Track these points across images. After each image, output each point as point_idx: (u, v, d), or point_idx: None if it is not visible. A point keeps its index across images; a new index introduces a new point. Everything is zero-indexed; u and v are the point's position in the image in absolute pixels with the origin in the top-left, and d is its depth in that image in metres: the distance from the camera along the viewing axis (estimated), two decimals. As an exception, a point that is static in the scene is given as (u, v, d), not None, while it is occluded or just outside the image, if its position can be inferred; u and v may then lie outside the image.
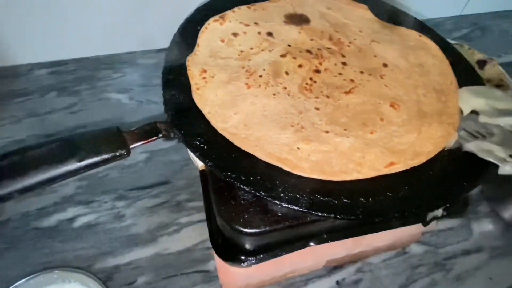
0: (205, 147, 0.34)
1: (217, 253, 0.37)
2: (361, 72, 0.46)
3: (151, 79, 0.69)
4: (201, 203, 0.43)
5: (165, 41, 0.46)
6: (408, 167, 0.38)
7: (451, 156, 0.40)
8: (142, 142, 0.33)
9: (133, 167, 0.58)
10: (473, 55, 0.76)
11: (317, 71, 0.45)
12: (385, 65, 0.47)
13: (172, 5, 0.64)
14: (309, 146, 0.37)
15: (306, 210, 0.31)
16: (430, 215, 0.42)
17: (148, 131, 0.35)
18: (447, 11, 0.87)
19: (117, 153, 0.31)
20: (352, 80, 0.45)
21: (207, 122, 0.37)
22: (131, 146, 0.33)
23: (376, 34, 0.51)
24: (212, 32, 0.46)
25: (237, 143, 0.36)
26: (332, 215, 0.31)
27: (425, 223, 0.47)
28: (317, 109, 0.41)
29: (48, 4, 0.61)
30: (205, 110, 0.38)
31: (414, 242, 0.54)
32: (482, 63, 0.76)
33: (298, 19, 0.49)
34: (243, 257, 0.37)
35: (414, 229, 0.48)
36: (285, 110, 0.40)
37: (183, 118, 0.36)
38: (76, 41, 0.68)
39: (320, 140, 0.38)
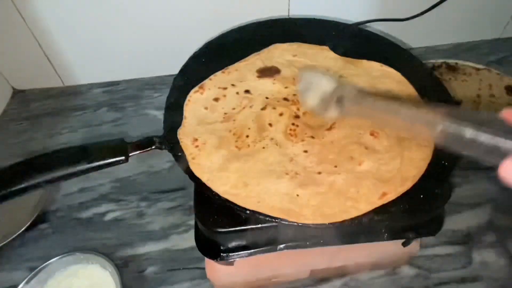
0: (187, 158, 0.42)
1: (198, 248, 0.44)
2: None
3: (184, 98, 0.79)
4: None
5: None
6: (398, 195, 0.40)
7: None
8: (139, 151, 0.42)
9: (159, 173, 0.68)
10: (501, 81, 0.75)
11: (297, 116, 0.47)
12: None
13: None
14: (307, 191, 0.39)
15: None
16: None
17: (145, 142, 0.43)
18: (484, 34, 0.85)
19: (117, 159, 0.40)
20: None
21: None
22: (130, 154, 0.41)
23: (342, 70, 0.53)
24: (195, 102, 0.49)
25: (240, 202, 0.39)
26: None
27: (404, 244, 0.49)
28: (306, 151, 0.43)
29: (106, 35, 0.75)
30: (204, 178, 0.41)
31: (405, 263, 0.55)
32: (511, 89, 0.74)
33: (269, 72, 0.52)
34: (220, 254, 0.44)
35: (396, 249, 0.50)
36: (276, 160, 0.43)
37: (175, 134, 0.44)
38: (128, 64, 0.81)
39: (315, 182, 0.40)
